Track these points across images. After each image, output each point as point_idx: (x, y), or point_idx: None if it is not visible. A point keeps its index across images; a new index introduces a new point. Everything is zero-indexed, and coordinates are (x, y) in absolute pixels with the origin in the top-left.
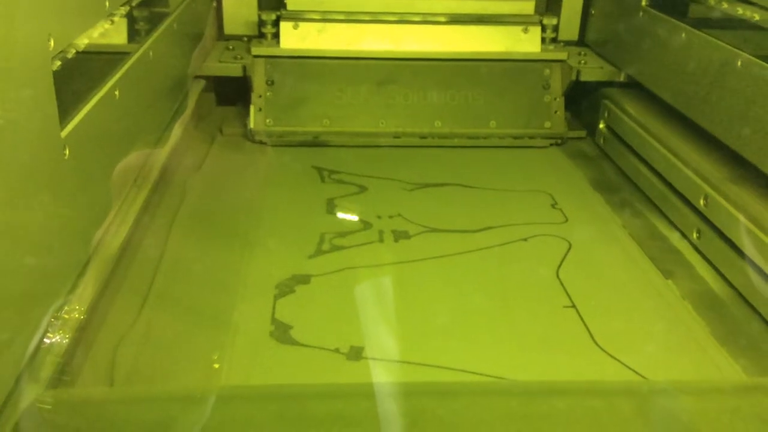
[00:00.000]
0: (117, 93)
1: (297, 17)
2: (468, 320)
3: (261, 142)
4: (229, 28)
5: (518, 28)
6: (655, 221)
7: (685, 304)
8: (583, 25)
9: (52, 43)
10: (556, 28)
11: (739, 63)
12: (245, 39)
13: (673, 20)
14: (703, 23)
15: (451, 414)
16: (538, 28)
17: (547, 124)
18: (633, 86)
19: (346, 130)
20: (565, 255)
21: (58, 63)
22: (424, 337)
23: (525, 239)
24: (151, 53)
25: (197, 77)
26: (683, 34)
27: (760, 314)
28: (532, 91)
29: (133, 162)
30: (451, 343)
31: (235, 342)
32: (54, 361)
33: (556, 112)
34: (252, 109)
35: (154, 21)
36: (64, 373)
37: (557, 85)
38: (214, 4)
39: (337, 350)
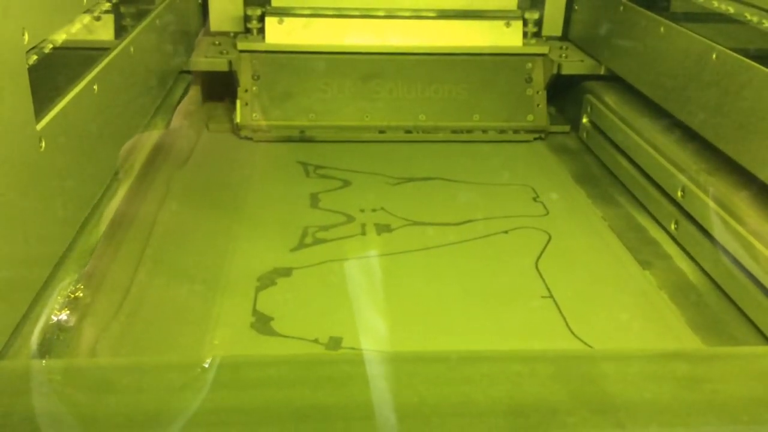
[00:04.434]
0: (96, 87)
1: (282, 13)
2: (447, 311)
3: (248, 138)
4: (216, 25)
5: (501, 23)
6: (635, 213)
7: (661, 294)
8: (567, 20)
9: (26, 36)
10: (538, 23)
11: (714, 56)
12: (231, 35)
13: (651, 14)
14: (681, 17)
15: (381, 378)
16: (520, 23)
17: (530, 118)
18: (615, 80)
19: (331, 124)
20: (545, 247)
21: (35, 57)
22: (403, 328)
23: (506, 232)
24: (132, 48)
25: (183, 72)
26: (661, 28)
27: (735, 303)
28: (514, 84)
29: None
30: (430, 333)
31: (216, 333)
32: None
33: (538, 105)
34: (238, 103)
35: (136, 17)
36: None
37: (539, 79)
38: (200, 0)
39: (316, 341)
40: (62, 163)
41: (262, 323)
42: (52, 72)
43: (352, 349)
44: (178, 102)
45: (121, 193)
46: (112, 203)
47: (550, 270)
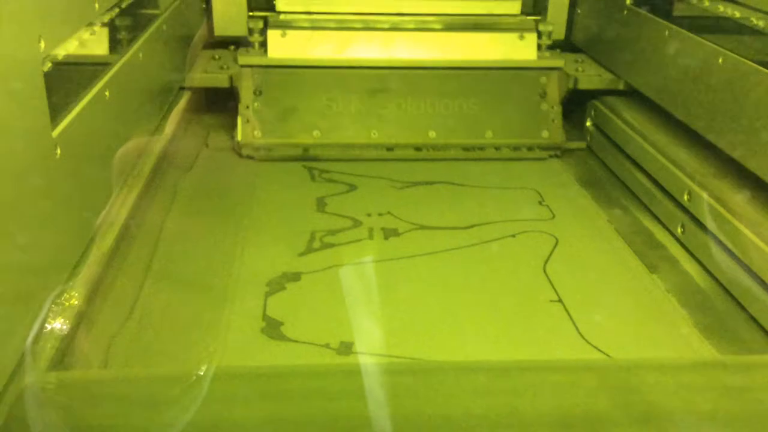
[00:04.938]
0: (107, 93)
1: (285, 25)
2: (456, 315)
3: (249, 157)
4: (220, 29)
5: (514, 35)
6: (641, 217)
7: (669, 297)
8: (570, 25)
9: (42, 44)
10: (552, 35)
11: (720, 60)
12: (232, 48)
13: (657, 18)
14: (686, 22)
15: (425, 389)
16: (534, 35)
17: (545, 134)
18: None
19: (337, 141)
20: (552, 251)
21: (49, 64)
22: (413, 333)
23: (513, 235)
24: (141, 54)
25: (182, 88)
26: (666, 32)
27: (743, 307)
28: (528, 99)
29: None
30: (440, 337)
31: (227, 338)
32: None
33: (553, 121)
34: (239, 120)
35: (143, 24)
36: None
37: (554, 94)
38: (204, 5)
39: (327, 345)
40: (76, 170)
41: (273, 328)
42: (62, 78)
43: (363, 354)
44: (171, 111)
45: (131, 199)
46: (121, 211)
47: (558, 274)
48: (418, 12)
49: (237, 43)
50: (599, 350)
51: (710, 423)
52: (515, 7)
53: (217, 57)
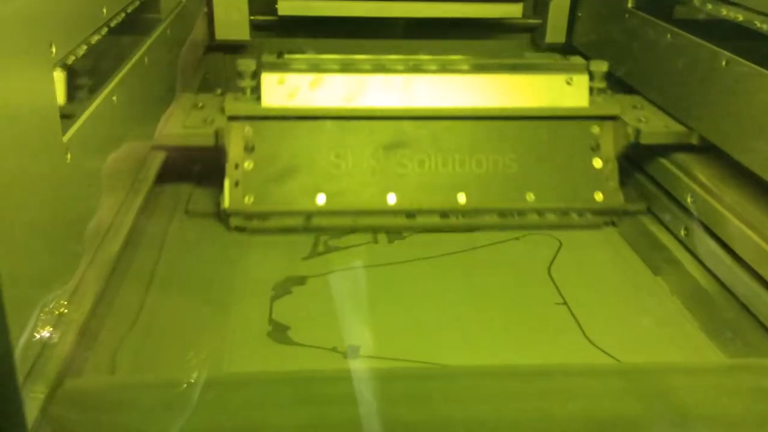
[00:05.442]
0: (115, 98)
1: (282, 67)
2: (462, 318)
3: (239, 229)
4: (221, 33)
5: (560, 78)
6: (644, 219)
7: (674, 299)
8: (570, 28)
9: (54, 49)
10: (607, 76)
11: (724, 62)
12: (218, 91)
13: (657, 21)
14: (688, 23)
15: (449, 392)
16: (585, 77)
17: (598, 197)
18: (621, 84)
19: (346, 208)
20: (557, 253)
21: (60, 69)
22: (419, 335)
23: (517, 238)
24: (146, 59)
25: (157, 148)
26: (668, 35)
27: (747, 308)
28: (578, 155)
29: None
30: (446, 340)
31: (234, 342)
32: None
33: (608, 181)
34: (227, 183)
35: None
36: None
37: (609, 148)
38: (205, 9)
39: (334, 349)
40: (86, 175)
41: (279, 332)
42: (70, 83)
43: (371, 357)
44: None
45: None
46: (126, 218)
47: (562, 276)
48: (405, 15)
49: (238, 47)
50: (606, 353)
51: (739, 426)
52: (517, 10)
53: (199, 105)
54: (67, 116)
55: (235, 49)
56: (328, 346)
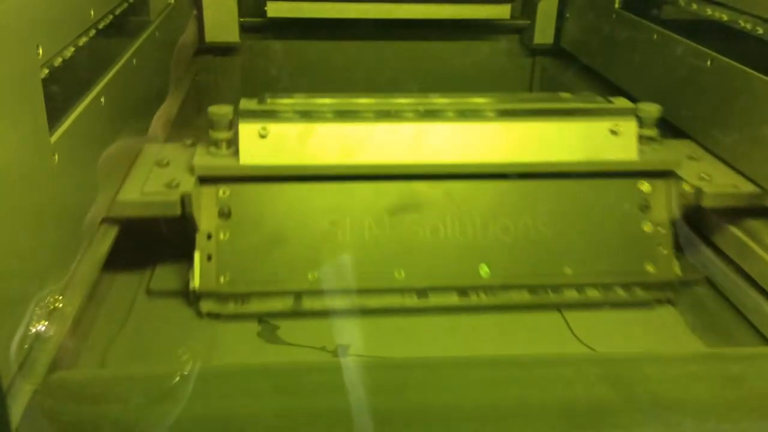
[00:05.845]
0: (102, 100)
1: (265, 115)
2: (451, 315)
3: (212, 315)
4: (211, 35)
5: (603, 125)
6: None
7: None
8: (558, 29)
9: (40, 51)
10: (658, 122)
11: (709, 63)
12: (188, 142)
13: (643, 21)
14: (674, 23)
15: (433, 382)
16: (633, 124)
17: (650, 268)
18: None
19: (344, 286)
20: None
21: (46, 71)
22: (412, 334)
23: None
24: (134, 61)
25: (107, 220)
26: (654, 35)
27: (734, 306)
28: (624, 218)
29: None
30: (439, 338)
31: (224, 341)
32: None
33: (661, 248)
34: (197, 257)
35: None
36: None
37: (662, 209)
38: (195, 11)
39: (323, 348)
40: (73, 176)
41: (269, 332)
42: (58, 85)
43: (360, 356)
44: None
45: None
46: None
47: None
48: (406, 17)
49: (228, 49)
50: (592, 349)
51: (710, 411)
52: (505, 11)
53: (164, 162)
54: (54, 117)
55: (225, 51)
56: (317, 345)
